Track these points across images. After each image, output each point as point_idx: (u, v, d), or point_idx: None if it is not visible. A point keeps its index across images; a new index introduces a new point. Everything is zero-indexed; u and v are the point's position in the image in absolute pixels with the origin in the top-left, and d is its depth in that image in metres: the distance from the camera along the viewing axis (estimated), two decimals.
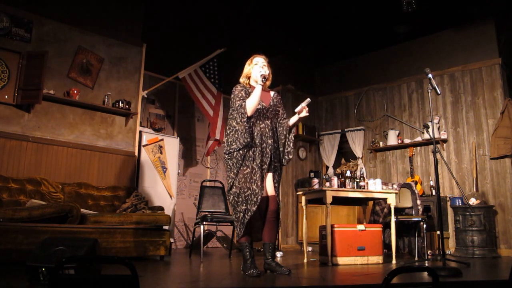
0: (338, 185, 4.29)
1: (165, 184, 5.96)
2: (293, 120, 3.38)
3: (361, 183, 4.36)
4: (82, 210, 4.24)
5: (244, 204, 3.05)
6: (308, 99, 3.30)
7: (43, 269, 2.42)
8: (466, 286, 2.78)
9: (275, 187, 3.24)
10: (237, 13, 6.29)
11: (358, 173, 4.80)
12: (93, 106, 5.29)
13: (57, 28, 5.13)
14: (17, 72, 4.71)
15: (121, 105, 5.48)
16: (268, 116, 3.28)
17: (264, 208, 3.16)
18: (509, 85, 6.24)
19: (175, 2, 6.00)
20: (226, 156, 3.19)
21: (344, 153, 7.68)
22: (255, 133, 3.18)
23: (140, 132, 5.84)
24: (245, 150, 3.12)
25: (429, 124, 4.38)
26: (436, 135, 6.27)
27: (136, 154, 5.71)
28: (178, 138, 6.49)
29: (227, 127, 3.25)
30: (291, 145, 3.36)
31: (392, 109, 7.15)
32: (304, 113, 3.31)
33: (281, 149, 3.32)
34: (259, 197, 3.03)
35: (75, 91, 5.10)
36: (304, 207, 4.55)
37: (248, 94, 3.22)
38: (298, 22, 6.64)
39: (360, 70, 7.69)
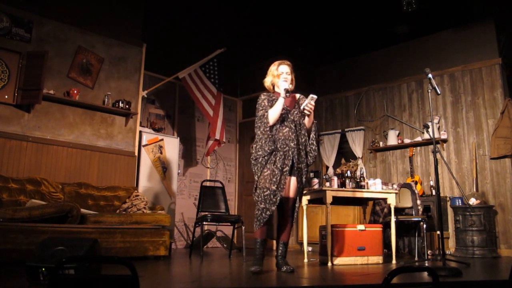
0: (338, 185, 4.29)
1: (165, 184, 5.96)
2: (305, 120, 3.48)
3: (361, 183, 4.37)
4: (82, 210, 4.24)
5: (263, 203, 3.20)
6: (311, 95, 3.33)
7: (43, 269, 2.42)
8: (466, 286, 2.78)
9: (298, 188, 3.38)
10: (237, 13, 6.29)
11: (358, 173, 4.80)
12: (93, 106, 5.29)
13: (57, 28, 5.13)
14: (17, 72, 4.71)
15: (121, 105, 5.48)
16: (292, 119, 3.39)
17: (282, 208, 3.38)
18: (509, 85, 6.23)
19: (175, 2, 6.00)
20: (253, 162, 3.35)
21: (344, 153, 7.68)
22: (279, 138, 3.30)
23: (140, 132, 5.84)
24: (269, 155, 3.29)
25: (429, 124, 4.38)
26: (436, 135, 6.27)
27: (136, 154, 5.71)
28: (178, 138, 6.49)
29: (256, 136, 3.37)
30: (314, 143, 3.46)
31: (392, 109, 7.15)
32: (306, 112, 3.39)
33: (301, 148, 3.40)
34: (278, 197, 3.20)
35: (75, 91, 5.10)
36: (304, 207, 4.55)
37: (270, 102, 3.38)
38: (298, 22, 6.64)
39: (360, 70, 7.69)
